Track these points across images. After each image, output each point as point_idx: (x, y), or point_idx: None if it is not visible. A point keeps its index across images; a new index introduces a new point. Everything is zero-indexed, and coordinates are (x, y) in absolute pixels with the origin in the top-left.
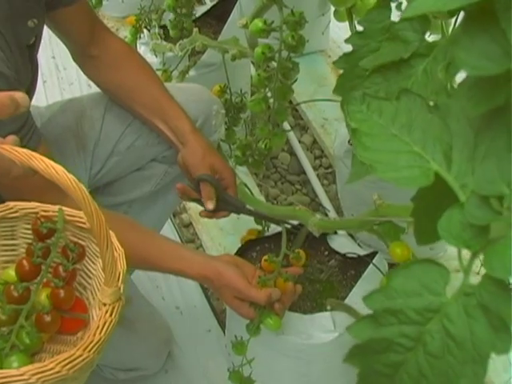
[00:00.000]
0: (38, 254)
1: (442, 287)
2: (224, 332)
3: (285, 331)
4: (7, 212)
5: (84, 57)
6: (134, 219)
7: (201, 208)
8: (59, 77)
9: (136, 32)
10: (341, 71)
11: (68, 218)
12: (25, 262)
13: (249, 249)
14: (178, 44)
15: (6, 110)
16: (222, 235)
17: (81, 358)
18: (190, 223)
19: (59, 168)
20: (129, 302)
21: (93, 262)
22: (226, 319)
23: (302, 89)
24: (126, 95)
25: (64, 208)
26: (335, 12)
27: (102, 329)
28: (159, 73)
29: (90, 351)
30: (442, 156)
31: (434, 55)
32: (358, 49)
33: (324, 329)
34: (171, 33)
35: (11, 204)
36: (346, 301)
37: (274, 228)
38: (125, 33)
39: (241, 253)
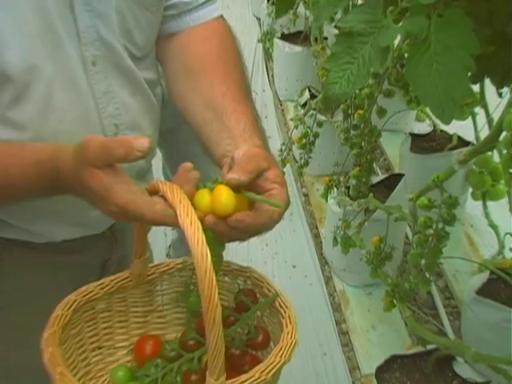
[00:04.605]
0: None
1: None
2: None
3: None
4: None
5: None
6: None
7: None
8: None
9: (328, 188)
10: None
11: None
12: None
13: (391, 360)
14: (356, 202)
15: (115, 158)
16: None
17: None
18: (347, 332)
19: (199, 235)
20: None
21: None
22: None
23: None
24: None
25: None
26: (472, 192)
27: None
28: (340, 221)
29: None
30: None
31: None
32: None
33: None
34: (351, 192)
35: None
36: None
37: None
38: (319, 187)
39: (383, 365)
